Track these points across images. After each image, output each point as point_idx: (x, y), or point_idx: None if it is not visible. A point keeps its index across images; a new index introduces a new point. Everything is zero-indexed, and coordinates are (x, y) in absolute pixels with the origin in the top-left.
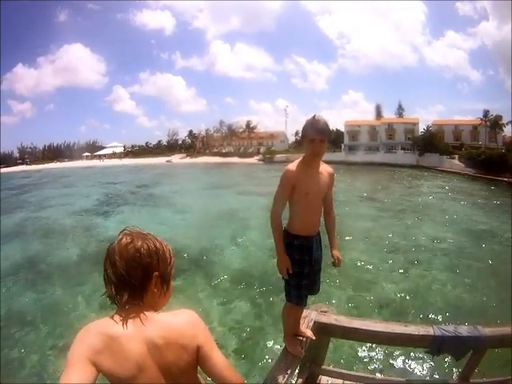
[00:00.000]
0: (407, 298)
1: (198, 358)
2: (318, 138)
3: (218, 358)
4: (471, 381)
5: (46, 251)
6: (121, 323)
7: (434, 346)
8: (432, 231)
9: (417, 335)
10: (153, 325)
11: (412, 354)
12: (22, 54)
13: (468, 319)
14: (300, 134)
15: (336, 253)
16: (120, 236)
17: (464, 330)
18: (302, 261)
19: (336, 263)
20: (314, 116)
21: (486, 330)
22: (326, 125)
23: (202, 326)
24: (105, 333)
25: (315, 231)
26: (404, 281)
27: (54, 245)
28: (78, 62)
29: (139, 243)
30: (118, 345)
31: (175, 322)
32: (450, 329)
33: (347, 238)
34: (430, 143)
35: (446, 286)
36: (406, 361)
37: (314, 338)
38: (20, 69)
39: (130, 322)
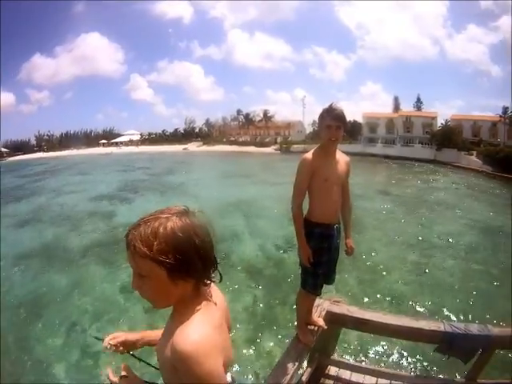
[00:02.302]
0: (418, 293)
1: None
2: (334, 125)
3: None
4: (478, 381)
5: (62, 236)
6: (217, 305)
7: (444, 342)
8: (446, 228)
9: (427, 330)
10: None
11: (421, 350)
12: (40, 43)
13: (479, 318)
14: (317, 124)
15: (350, 242)
16: (186, 213)
17: (474, 328)
18: (321, 249)
19: (349, 252)
20: (331, 104)
21: (496, 330)
22: (343, 112)
23: None
24: (224, 330)
25: (336, 219)
26: (416, 276)
27: (71, 230)
28: (95, 51)
29: None
30: (226, 330)
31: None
32: (460, 326)
33: (361, 230)
34: (449, 138)
35: (458, 283)
36: (415, 356)
37: (326, 327)
38: (38, 58)
39: (222, 297)
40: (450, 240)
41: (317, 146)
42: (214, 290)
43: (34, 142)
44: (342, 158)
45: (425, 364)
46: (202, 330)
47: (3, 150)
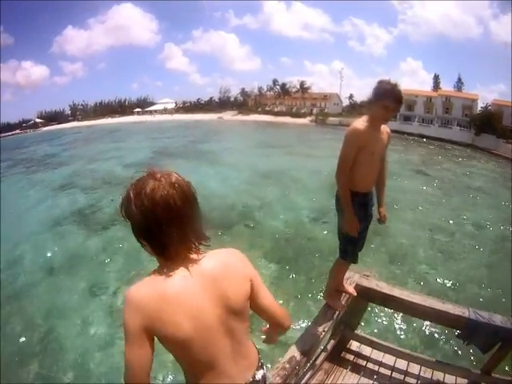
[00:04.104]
0: (442, 277)
1: (250, 291)
2: (392, 106)
3: (267, 293)
4: (493, 375)
5: (96, 202)
6: (201, 276)
7: (467, 329)
8: (479, 215)
9: (452, 314)
10: (214, 261)
11: (442, 335)
12: (71, 17)
13: (501, 311)
14: (354, 98)
15: (383, 210)
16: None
17: (498, 319)
18: (360, 217)
19: (381, 220)
20: (395, 84)
21: None
22: (402, 95)
23: (249, 261)
24: (184, 300)
25: (372, 187)
26: (442, 260)
27: (104, 197)
28: (129, 21)
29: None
30: (188, 302)
31: (230, 258)
32: (484, 315)
33: (392, 208)
34: (488, 123)
35: (484, 272)
36: (435, 341)
37: (355, 294)
38: (70, 31)
39: (215, 257)
40: (481, 228)
41: (353, 119)
42: (214, 260)
43: (69, 112)
44: (384, 130)
45: (443, 350)
46: (139, 286)
47: (38, 120)
